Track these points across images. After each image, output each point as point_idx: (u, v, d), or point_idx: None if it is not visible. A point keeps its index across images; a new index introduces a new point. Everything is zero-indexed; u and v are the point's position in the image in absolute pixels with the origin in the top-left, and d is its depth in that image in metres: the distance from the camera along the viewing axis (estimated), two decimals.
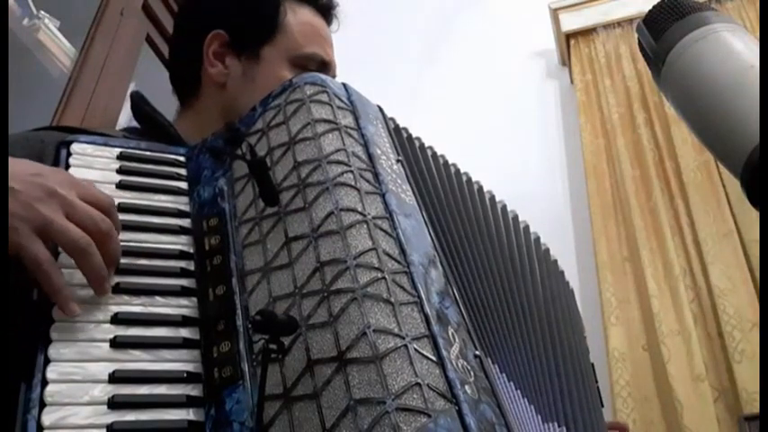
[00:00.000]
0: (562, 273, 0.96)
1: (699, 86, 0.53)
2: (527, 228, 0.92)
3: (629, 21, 2.52)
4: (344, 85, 0.76)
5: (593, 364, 0.95)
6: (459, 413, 0.51)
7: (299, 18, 0.95)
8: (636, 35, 0.60)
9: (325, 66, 0.95)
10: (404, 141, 0.78)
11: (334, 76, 0.97)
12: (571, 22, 2.60)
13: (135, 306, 0.61)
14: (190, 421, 0.55)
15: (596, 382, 0.93)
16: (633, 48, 2.42)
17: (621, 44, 2.51)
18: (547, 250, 0.94)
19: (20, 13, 1.54)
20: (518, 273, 0.83)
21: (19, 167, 0.60)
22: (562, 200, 2.37)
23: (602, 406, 0.92)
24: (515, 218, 0.91)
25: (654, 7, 0.57)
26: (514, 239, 0.87)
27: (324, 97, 0.72)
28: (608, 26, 2.57)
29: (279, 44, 0.92)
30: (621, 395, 1.89)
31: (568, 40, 2.61)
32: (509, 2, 2.80)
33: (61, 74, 1.54)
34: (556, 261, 0.95)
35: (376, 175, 0.67)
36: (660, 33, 0.56)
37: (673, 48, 0.55)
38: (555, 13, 2.60)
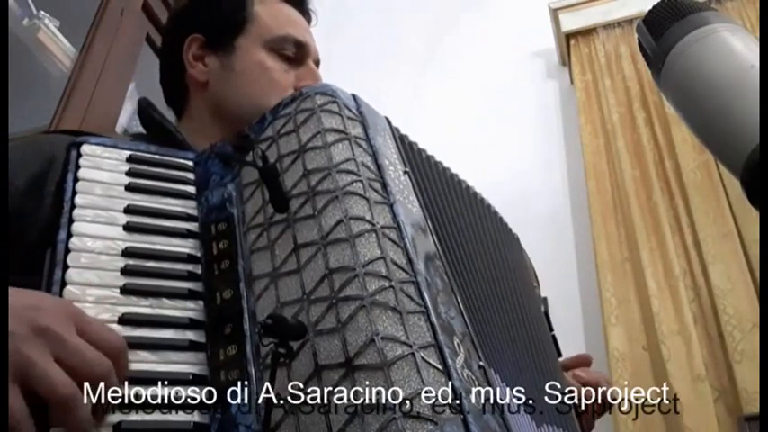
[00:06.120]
0: (509, 230, 0.96)
1: (699, 86, 0.53)
2: (496, 212, 0.93)
3: (629, 21, 2.52)
4: (354, 96, 0.76)
5: (546, 313, 0.96)
6: (465, 422, 0.51)
7: (268, 7, 0.98)
8: (636, 35, 0.60)
9: (302, 48, 0.96)
10: (409, 152, 0.78)
11: (317, 64, 0.99)
12: (571, 22, 2.60)
13: (142, 307, 0.61)
14: (195, 422, 0.55)
15: (551, 330, 0.95)
16: (633, 48, 2.41)
17: (621, 44, 2.51)
18: (501, 218, 0.94)
19: (20, 13, 1.54)
20: (505, 273, 0.84)
21: (15, 301, 0.51)
22: (562, 200, 2.36)
23: (560, 356, 0.94)
24: (488, 206, 0.92)
25: (654, 7, 0.57)
26: (497, 237, 0.88)
27: (334, 107, 0.72)
28: (608, 26, 2.57)
29: (251, 33, 0.95)
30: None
31: (568, 40, 2.61)
32: (509, 2, 2.80)
33: (61, 74, 1.54)
34: (510, 229, 0.96)
35: (384, 185, 0.67)
36: (660, 33, 0.56)
37: (673, 48, 0.54)
38: (555, 13, 2.60)
